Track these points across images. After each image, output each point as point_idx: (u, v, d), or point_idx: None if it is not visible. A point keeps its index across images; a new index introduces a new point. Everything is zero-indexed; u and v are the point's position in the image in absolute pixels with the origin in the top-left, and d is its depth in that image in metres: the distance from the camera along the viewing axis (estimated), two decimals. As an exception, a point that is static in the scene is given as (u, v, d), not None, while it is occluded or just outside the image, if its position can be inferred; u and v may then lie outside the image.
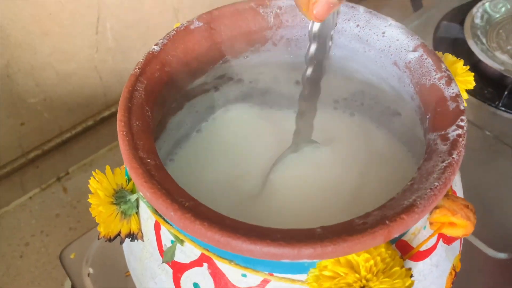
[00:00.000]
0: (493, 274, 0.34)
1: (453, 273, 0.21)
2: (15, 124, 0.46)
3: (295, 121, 0.23)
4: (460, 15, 0.48)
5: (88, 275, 0.34)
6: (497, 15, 0.48)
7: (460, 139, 0.17)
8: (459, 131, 0.17)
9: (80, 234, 0.40)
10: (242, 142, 0.26)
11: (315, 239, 0.14)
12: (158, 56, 0.21)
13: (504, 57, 0.44)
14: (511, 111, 0.42)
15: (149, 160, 0.17)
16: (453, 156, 0.17)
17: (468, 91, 0.22)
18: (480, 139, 0.41)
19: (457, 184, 0.21)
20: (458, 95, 0.19)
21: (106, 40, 0.46)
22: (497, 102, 0.42)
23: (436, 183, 0.16)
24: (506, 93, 0.41)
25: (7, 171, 0.48)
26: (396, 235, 0.15)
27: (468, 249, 0.35)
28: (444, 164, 0.16)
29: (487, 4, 0.47)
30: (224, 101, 0.27)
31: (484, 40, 0.45)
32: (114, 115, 0.52)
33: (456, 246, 0.20)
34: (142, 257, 0.20)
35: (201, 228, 0.15)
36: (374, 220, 0.15)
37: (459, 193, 0.21)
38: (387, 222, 0.15)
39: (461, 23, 0.47)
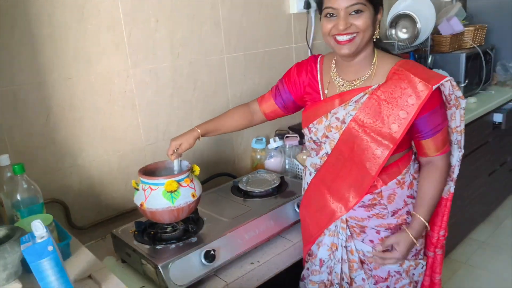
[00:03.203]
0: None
1: (195, 196, 1.19)
2: (96, 212, 1.45)
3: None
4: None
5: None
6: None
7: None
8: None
9: (112, 251, 1.32)
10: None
11: (165, 175, 1.17)
12: (147, 166, 1.25)
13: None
14: (246, 198, 1.44)
15: (141, 174, 1.20)
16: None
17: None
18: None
19: (197, 189, 1.23)
20: (190, 180, 1.24)
21: (132, 192, 1.51)
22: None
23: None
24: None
25: (90, 227, 1.42)
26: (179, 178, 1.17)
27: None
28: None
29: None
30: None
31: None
32: (130, 211, 1.49)
33: (190, 190, 1.20)
34: (139, 192, 1.19)
35: (144, 178, 1.17)
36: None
37: (198, 191, 1.23)
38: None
39: (237, 180, 1.55)
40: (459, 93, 1.10)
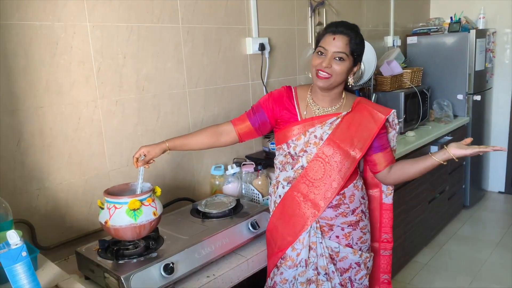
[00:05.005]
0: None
1: (156, 214, 1.31)
2: (60, 233, 1.52)
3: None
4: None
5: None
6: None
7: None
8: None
9: (75, 270, 1.40)
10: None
11: (128, 195, 1.28)
12: (112, 188, 1.36)
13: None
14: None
15: (106, 194, 1.31)
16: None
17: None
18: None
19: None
20: (152, 200, 1.36)
21: (95, 214, 1.60)
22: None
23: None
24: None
25: (54, 247, 1.49)
26: (142, 198, 1.29)
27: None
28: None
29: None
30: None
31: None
32: (93, 233, 1.58)
33: (151, 209, 1.32)
34: (104, 211, 1.30)
35: (108, 198, 1.28)
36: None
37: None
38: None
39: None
40: (397, 121, 1.49)
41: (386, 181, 1.49)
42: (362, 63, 2.56)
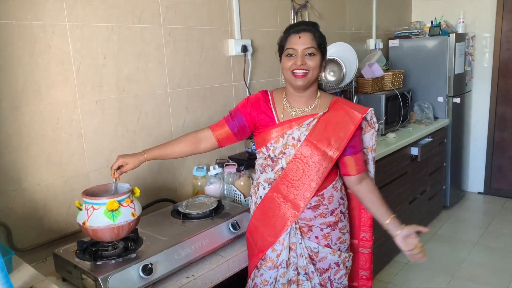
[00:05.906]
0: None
1: (135, 215, 1.31)
2: (37, 235, 1.50)
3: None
4: (179, 203, 1.69)
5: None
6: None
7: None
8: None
9: (52, 272, 1.39)
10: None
11: (107, 196, 1.28)
12: (90, 189, 1.36)
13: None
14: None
15: (84, 195, 1.30)
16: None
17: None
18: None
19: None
20: (131, 200, 1.36)
21: (74, 215, 1.58)
22: (180, 218, 1.58)
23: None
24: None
25: (31, 249, 1.47)
26: (121, 199, 1.28)
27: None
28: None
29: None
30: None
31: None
32: (71, 235, 1.56)
33: (130, 210, 1.32)
34: (82, 212, 1.29)
35: (87, 199, 1.28)
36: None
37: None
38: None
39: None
40: (375, 119, 1.50)
41: (351, 189, 1.51)
42: (343, 65, 2.61)
